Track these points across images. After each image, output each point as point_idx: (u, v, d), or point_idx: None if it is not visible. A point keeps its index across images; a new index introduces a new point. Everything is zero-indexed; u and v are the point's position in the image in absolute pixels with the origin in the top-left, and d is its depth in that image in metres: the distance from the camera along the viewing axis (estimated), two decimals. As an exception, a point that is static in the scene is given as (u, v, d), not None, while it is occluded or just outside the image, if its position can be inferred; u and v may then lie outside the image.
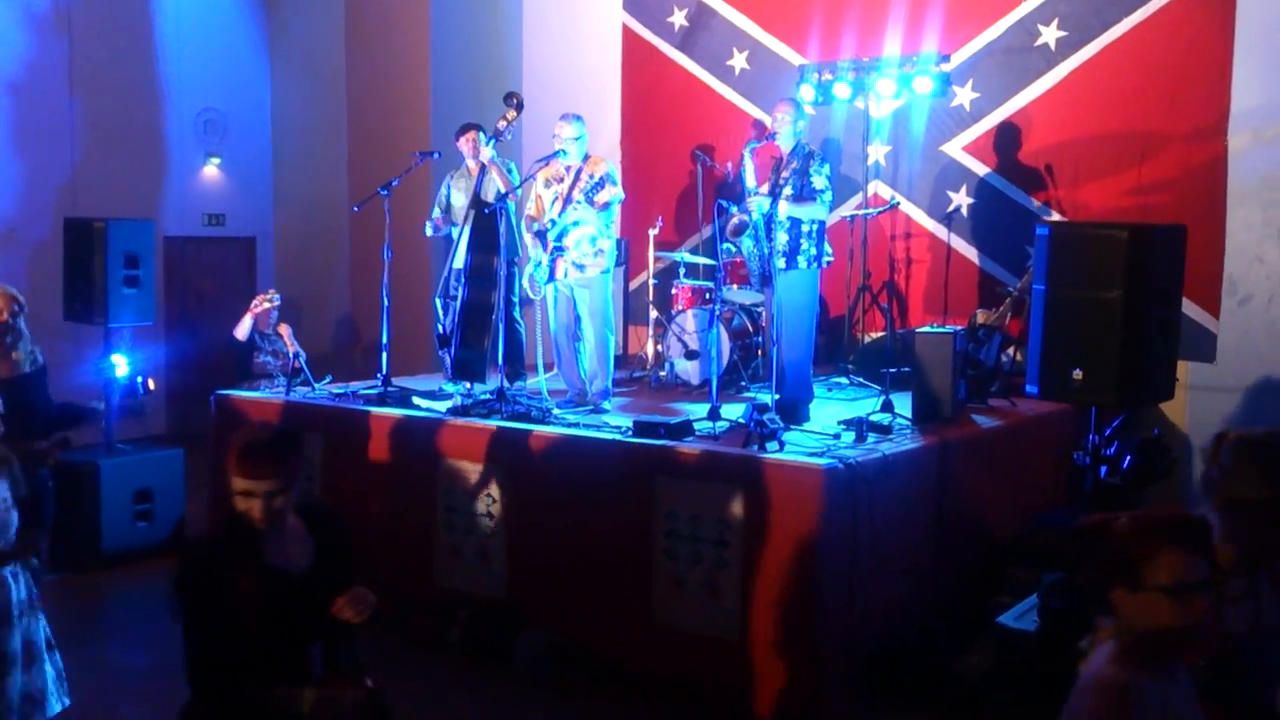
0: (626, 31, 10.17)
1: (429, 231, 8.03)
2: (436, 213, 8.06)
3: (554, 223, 6.91)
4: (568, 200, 6.94)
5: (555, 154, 6.93)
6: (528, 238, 7.13)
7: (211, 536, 3.51)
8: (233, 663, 3.25)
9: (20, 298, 5.57)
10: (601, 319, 7.04)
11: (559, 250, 6.98)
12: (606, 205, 6.97)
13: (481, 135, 7.68)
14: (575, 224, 6.92)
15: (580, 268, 6.99)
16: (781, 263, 6.54)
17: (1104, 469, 5.01)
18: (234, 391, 7.66)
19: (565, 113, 7.07)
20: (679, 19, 9.86)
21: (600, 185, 6.88)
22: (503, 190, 7.10)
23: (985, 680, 5.20)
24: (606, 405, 6.96)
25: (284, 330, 8.88)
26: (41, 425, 5.58)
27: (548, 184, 7.09)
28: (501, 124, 7.07)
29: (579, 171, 6.97)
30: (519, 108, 7.10)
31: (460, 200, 7.83)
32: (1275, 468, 3.13)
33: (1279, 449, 3.18)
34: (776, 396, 6.18)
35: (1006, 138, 8.39)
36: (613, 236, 7.20)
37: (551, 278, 7.02)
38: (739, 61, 9.58)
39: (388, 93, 11.27)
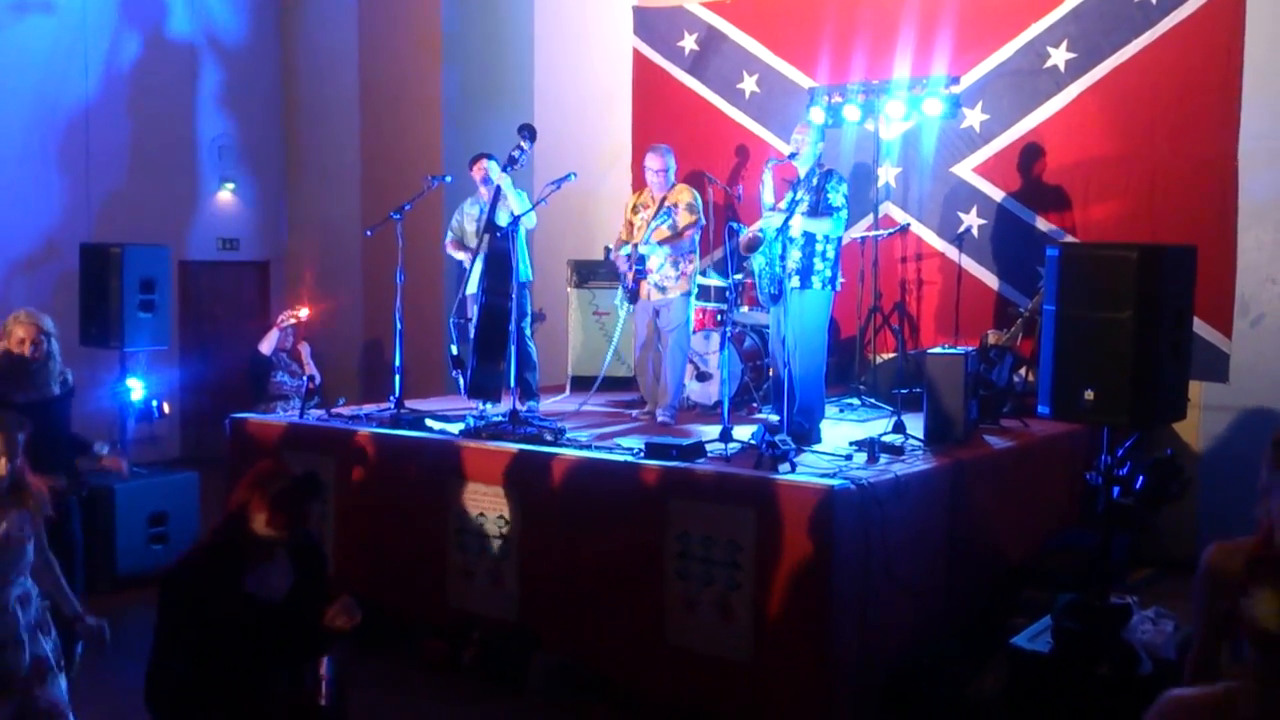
0: (637, 55, 10.23)
1: (452, 252, 8.21)
2: (450, 236, 8.18)
3: (646, 242, 7.52)
4: (662, 222, 7.54)
5: (565, 177, 7.22)
6: (617, 259, 7.75)
7: (196, 561, 3.54)
8: (197, 688, 3.35)
9: (49, 326, 5.65)
10: (678, 339, 7.55)
11: (641, 273, 7.58)
12: (686, 229, 7.51)
13: (493, 163, 7.77)
14: (658, 247, 7.49)
15: (662, 289, 7.53)
16: (795, 282, 6.56)
17: (1116, 489, 4.98)
18: (249, 415, 7.70)
19: (654, 145, 7.82)
20: (689, 43, 9.93)
21: (681, 211, 7.52)
22: (515, 214, 7.20)
23: (999, 702, 5.18)
24: (667, 420, 7.41)
25: (302, 349, 8.97)
26: (64, 451, 5.61)
27: (636, 209, 7.79)
28: (515, 152, 7.17)
29: (664, 199, 7.57)
30: (532, 138, 7.23)
31: (472, 226, 7.93)
32: None
33: None
34: (776, 419, 6.18)
35: (1017, 159, 8.42)
36: (695, 260, 7.71)
37: (635, 298, 7.63)
38: (749, 85, 9.63)
39: (400, 116, 11.36)
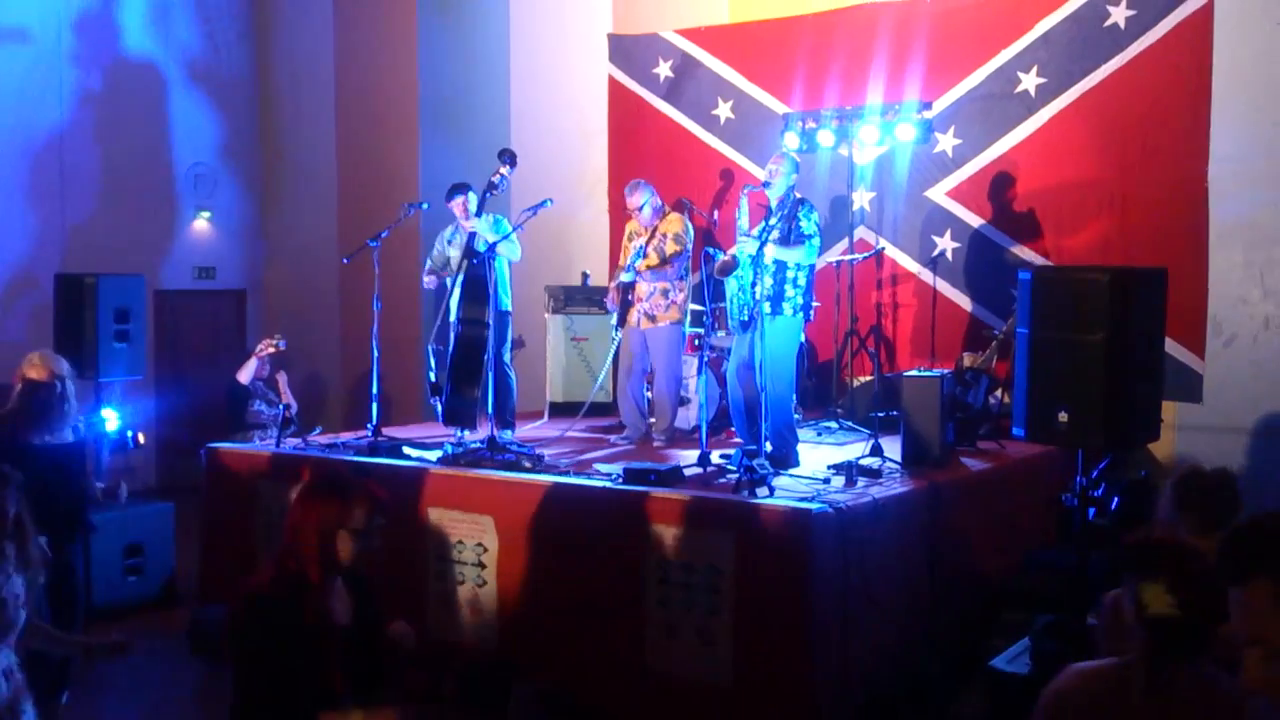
0: (613, 82, 10.28)
1: (427, 283, 8.12)
2: (429, 264, 8.16)
3: (627, 271, 7.64)
4: (641, 254, 7.64)
5: (542, 203, 7.27)
6: (612, 290, 7.87)
7: (265, 589, 3.51)
8: (286, 706, 3.37)
9: (64, 370, 5.53)
10: (669, 367, 7.66)
11: (629, 300, 7.70)
12: (673, 259, 7.61)
13: (472, 195, 7.77)
14: (646, 275, 7.62)
15: (651, 317, 7.66)
16: (768, 308, 6.59)
17: (1092, 511, 5.02)
18: (225, 444, 7.66)
19: (632, 180, 7.91)
20: (665, 70, 9.99)
21: (669, 241, 7.62)
22: (491, 242, 7.24)
23: (979, 724, 5.19)
24: (662, 444, 7.55)
25: (280, 379, 8.97)
26: (76, 500, 5.48)
27: (630, 238, 7.90)
28: (495, 178, 7.20)
29: (655, 227, 7.71)
30: (512, 163, 7.26)
31: (455, 253, 7.94)
32: None
33: None
34: (754, 448, 6.20)
35: (989, 183, 8.50)
36: (687, 289, 7.79)
37: (621, 324, 7.70)
38: (724, 111, 9.69)
39: (377, 144, 11.38)
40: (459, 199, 7.91)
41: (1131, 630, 2.80)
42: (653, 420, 7.87)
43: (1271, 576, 2.27)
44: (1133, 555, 2.86)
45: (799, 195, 6.90)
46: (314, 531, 3.47)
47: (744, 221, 6.98)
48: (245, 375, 8.96)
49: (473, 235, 7.55)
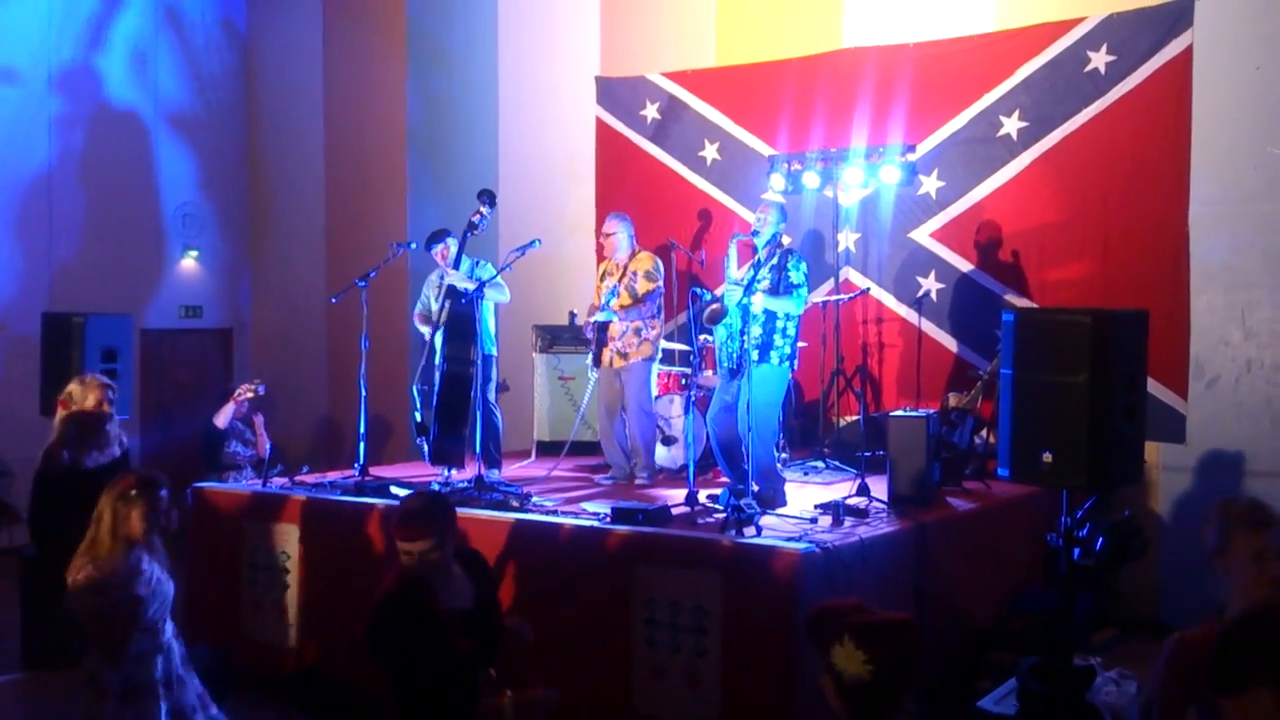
0: (600, 124, 10.37)
1: (417, 323, 8.13)
2: (419, 309, 8.17)
3: (603, 310, 7.63)
4: (613, 292, 7.67)
5: (530, 244, 7.33)
6: (585, 325, 7.86)
7: (395, 592, 3.99)
8: (440, 688, 3.84)
9: (111, 386, 5.97)
10: (640, 404, 7.61)
11: (602, 339, 7.68)
12: (645, 298, 7.61)
13: (451, 242, 7.80)
14: (620, 314, 7.62)
15: (624, 355, 7.61)
16: (755, 355, 6.61)
17: (1077, 551, 5.04)
18: (211, 484, 7.64)
19: (612, 212, 8.00)
20: (651, 112, 10.08)
21: (640, 279, 7.62)
22: (468, 290, 7.25)
23: (967, 765, 5.18)
24: (645, 482, 7.56)
25: (257, 421, 8.99)
26: None
27: (603, 277, 7.89)
28: (475, 218, 7.23)
29: (626, 266, 7.70)
30: (491, 203, 7.31)
31: (435, 305, 7.93)
32: None
33: None
34: (742, 487, 6.21)
35: (972, 225, 8.58)
36: (659, 326, 7.78)
37: (596, 364, 7.69)
38: (710, 152, 9.78)
39: (365, 184, 11.43)
40: (439, 247, 7.93)
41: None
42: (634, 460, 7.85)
43: (1273, 687, 2.00)
44: (835, 620, 2.75)
45: (788, 242, 6.95)
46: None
47: (733, 269, 7.03)
48: (222, 419, 9.04)
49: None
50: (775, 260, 6.77)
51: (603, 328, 7.69)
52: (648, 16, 10.24)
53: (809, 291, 7.00)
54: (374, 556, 6.56)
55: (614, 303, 7.66)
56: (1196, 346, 7.70)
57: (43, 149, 10.60)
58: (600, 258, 8.37)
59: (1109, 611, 7.46)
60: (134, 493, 4.24)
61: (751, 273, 6.81)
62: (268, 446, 8.36)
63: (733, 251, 7.08)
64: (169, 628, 4.39)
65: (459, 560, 4.09)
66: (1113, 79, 7.99)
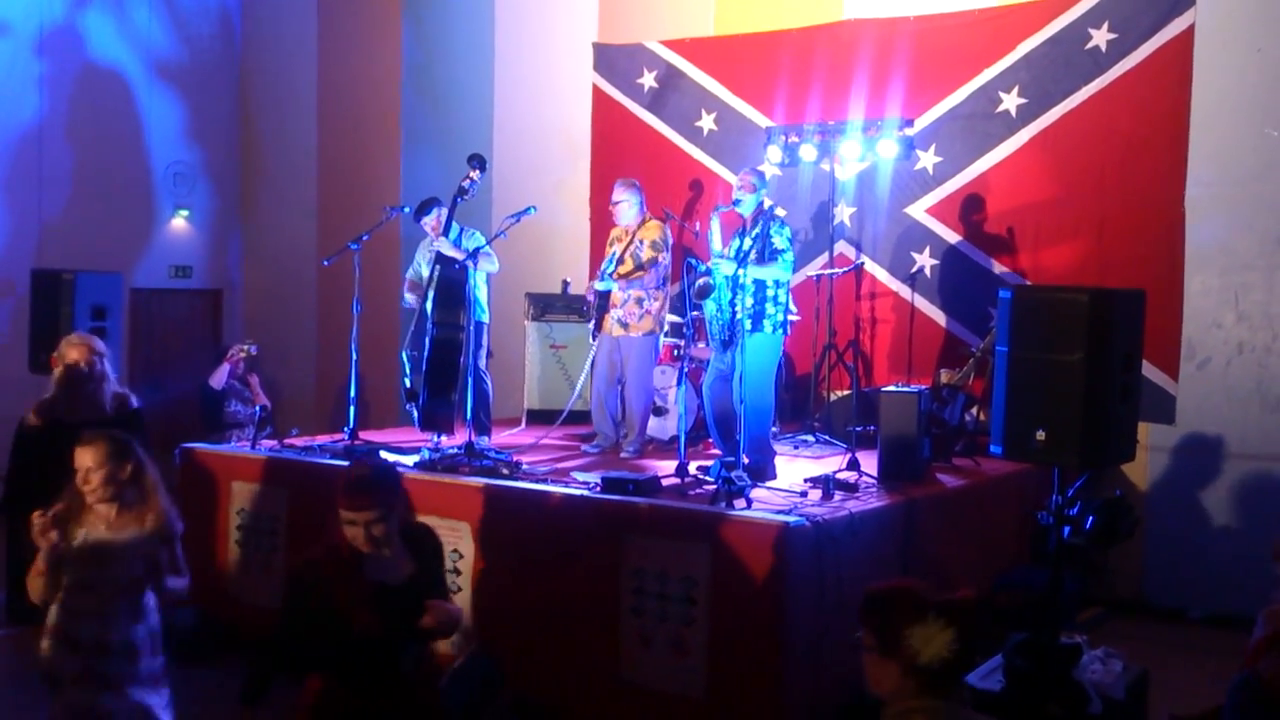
0: (597, 92, 10.29)
1: (409, 301, 7.97)
2: (411, 274, 8.09)
3: (602, 279, 7.55)
4: (619, 259, 7.59)
5: (524, 211, 7.25)
6: (588, 295, 7.82)
7: (317, 558, 3.83)
8: (345, 662, 3.68)
9: (100, 347, 5.89)
10: (640, 378, 7.53)
11: (603, 307, 7.60)
12: (649, 266, 7.51)
13: (442, 211, 7.70)
14: (621, 282, 7.54)
15: (624, 325, 7.55)
16: (748, 324, 6.60)
17: (1067, 529, 5.05)
18: (200, 445, 7.61)
19: (626, 178, 7.82)
20: (649, 80, 10.01)
21: (645, 248, 7.52)
22: (459, 259, 7.19)
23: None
24: (630, 456, 7.46)
25: (253, 380, 8.98)
26: None
27: (611, 243, 7.81)
28: (465, 182, 7.17)
29: (634, 234, 7.62)
30: (482, 167, 7.25)
31: (426, 271, 7.86)
32: None
33: None
34: (732, 459, 6.20)
35: (969, 201, 8.55)
36: (663, 299, 7.66)
37: (597, 331, 7.62)
38: (707, 123, 9.72)
39: (358, 146, 11.35)
40: (429, 218, 7.84)
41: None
42: (624, 431, 7.83)
43: None
44: (921, 603, 2.72)
45: (769, 205, 6.92)
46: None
47: (717, 243, 6.99)
48: (217, 380, 9.06)
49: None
50: (759, 229, 6.75)
51: (604, 296, 7.64)
52: (647, -17, 10.17)
53: (794, 257, 6.98)
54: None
55: (617, 270, 7.60)
56: (1189, 328, 7.71)
57: (33, 104, 10.49)
58: (604, 227, 8.31)
59: (1094, 590, 7.50)
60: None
61: (738, 243, 6.78)
62: (268, 406, 8.37)
63: (715, 224, 7.05)
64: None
65: (404, 535, 3.84)
66: (1113, 57, 7.96)
